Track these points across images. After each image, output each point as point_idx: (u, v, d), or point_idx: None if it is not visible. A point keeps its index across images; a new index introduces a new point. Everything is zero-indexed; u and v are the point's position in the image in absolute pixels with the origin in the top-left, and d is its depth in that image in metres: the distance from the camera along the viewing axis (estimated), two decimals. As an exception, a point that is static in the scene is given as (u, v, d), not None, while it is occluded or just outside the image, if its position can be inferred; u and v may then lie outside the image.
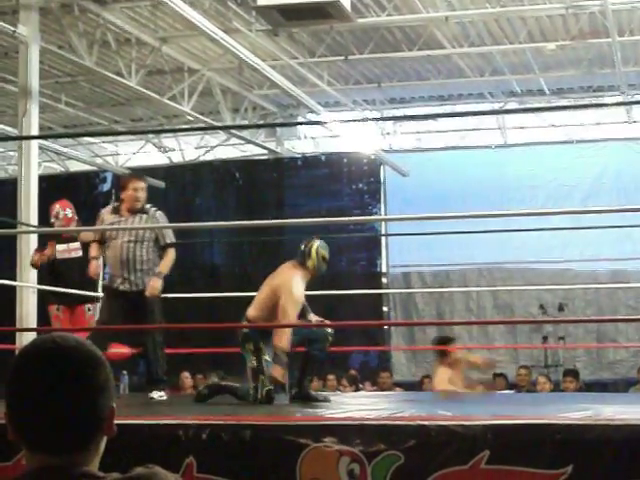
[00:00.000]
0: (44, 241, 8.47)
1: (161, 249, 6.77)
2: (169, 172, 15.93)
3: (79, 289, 7.97)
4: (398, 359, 14.67)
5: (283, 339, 5.98)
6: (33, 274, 8.78)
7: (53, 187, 13.69)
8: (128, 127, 15.01)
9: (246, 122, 14.01)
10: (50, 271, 8.29)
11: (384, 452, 3.94)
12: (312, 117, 14.13)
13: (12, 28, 9.23)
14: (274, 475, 4.06)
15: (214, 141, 15.52)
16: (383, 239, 15.10)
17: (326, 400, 6.07)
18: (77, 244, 8.13)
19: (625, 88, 12.53)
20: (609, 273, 13.85)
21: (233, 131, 14.15)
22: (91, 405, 1.61)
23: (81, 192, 15.94)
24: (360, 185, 15.48)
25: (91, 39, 10.66)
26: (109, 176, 16.49)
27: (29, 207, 9.11)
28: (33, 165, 9.38)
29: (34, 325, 8.79)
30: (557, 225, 10.28)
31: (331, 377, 11.52)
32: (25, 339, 7.83)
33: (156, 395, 6.64)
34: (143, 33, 11.09)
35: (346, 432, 4.06)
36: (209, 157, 15.72)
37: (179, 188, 16.19)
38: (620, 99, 13.15)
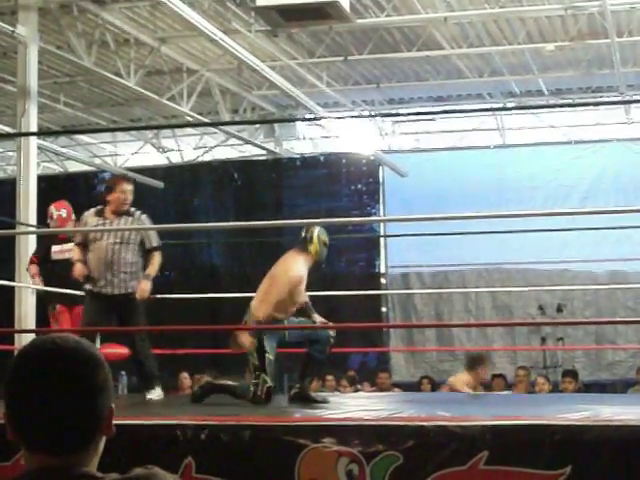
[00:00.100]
0: (42, 241, 8.48)
1: (146, 252, 6.77)
2: (168, 172, 15.93)
3: (75, 289, 7.96)
4: (397, 360, 14.66)
5: (261, 309, 6.01)
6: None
7: (52, 187, 13.70)
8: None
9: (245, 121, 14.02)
10: (46, 272, 8.29)
11: (383, 453, 3.94)
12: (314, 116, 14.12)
13: (11, 28, 9.23)
14: (273, 476, 4.07)
15: (213, 142, 15.52)
16: (382, 240, 15.09)
17: (325, 401, 6.07)
18: (72, 245, 8.13)
19: (624, 89, 12.53)
20: (608, 274, 13.84)
21: (232, 131, 14.14)
22: (90, 405, 1.61)
23: (80, 192, 15.93)
24: (359, 186, 15.48)
25: (90, 39, 10.66)
26: (108, 176, 16.48)
27: (28, 207, 9.10)
28: (32, 165, 9.38)
29: (33, 326, 8.79)
30: (556, 226, 10.27)
31: (330, 378, 11.51)
32: (24, 340, 7.83)
33: (154, 395, 6.64)
34: (142, 33, 11.08)
35: (345, 433, 4.06)
36: (208, 157, 15.72)
37: (178, 188, 16.19)
38: (619, 99, 13.15)
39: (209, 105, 13.27)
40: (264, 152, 15.33)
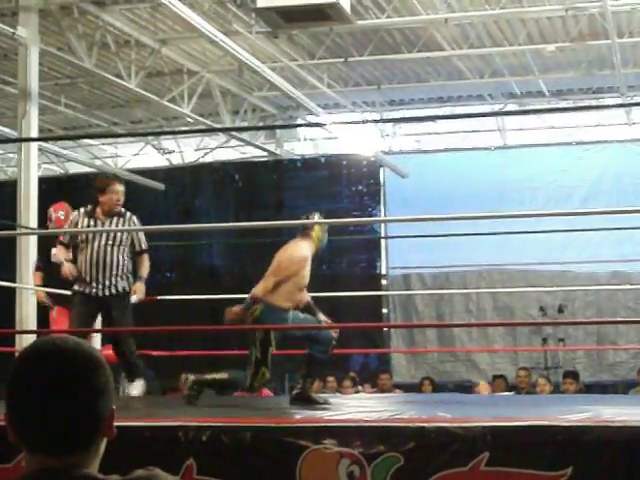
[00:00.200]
0: (43, 245, 8.48)
1: (136, 254, 6.77)
2: (169, 174, 15.93)
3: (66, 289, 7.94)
4: (398, 361, 14.66)
5: (259, 287, 6.02)
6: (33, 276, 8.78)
7: (53, 189, 13.70)
8: (127, 129, 15.01)
9: (246, 124, 14.01)
10: (47, 274, 8.29)
11: (384, 454, 3.94)
12: (312, 119, 14.12)
13: (11, 30, 9.23)
14: (274, 477, 4.06)
15: (214, 143, 15.53)
16: (383, 241, 15.08)
17: (326, 402, 6.06)
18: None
19: (625, 90, 12.53)
20: (609, 275, 13.84)
21: (233, 133, 14.15)
22: (91, 407, 1.61)
23: (81, 194, 15.90)
24: (360, 187, 15.47)
25: (90, 41, 10.66)
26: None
27: (29, 209, 9.10)
28: (33, 167, 9.38)
29: (34, 327, 8.78)
30: (557, 227, 10.26)
31: (331, 379, 11.51)
32: (25, 341, 7.83)
33: (136, 389, 6.64)
34: (143, 35, 11.09)
35: (346, 434, 4.06)
36: (209, 159, 15.72)
37: (179, 190, 16.18)
38: (619, 101, 13.16)
39: (210, 106, 13.28)
40: (265, 153, 15.33)
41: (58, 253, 6.82)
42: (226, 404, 6.04)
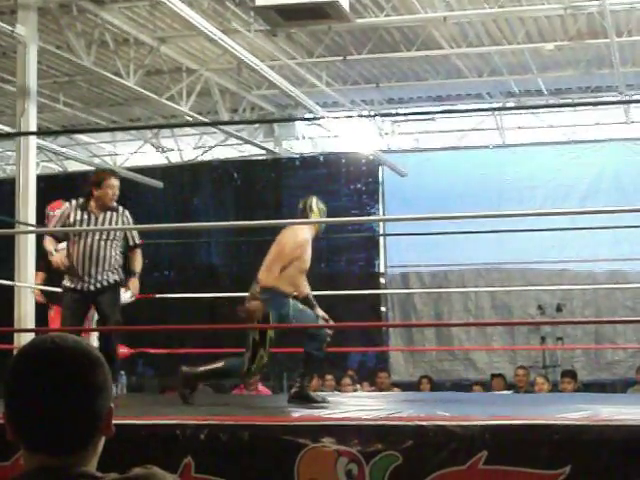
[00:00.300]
0: (41, 242, 8.46)
1: (129, 249, 6.76)
2: (167, 172, 15.93)
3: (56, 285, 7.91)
4: (396, 359, 14.66)
5: (268, 275, 6.02)
6: (31, 274, 8.78)
7: (51, 187, 13.67)
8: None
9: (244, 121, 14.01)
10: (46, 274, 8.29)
11: (382, 452, 3.94)
12: (312, 116, 14.12)
13: (10, 28, 9.22)
14: (272, 475, 4.06)
15: (212, 141, 15.52)
16: (381, 239, 15.09)
17: (324, 401, 6.07)
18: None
19: (623, 88, 12.53)
20: (607, 274, 13.85)
21: (231, 131, 14.14)
22: (89, 405, 1.61)
23: (79, 192, 15.90)
24: (358, 185, 15.47)
25: (89, 39, 10.66)
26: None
27: (27, 207, 9.09)
28: (31, 165, 9.37)
29: (32, 325, 8.78)
30: (555, 225, 10.27)
31: (329, 377, 11.51)
32: (23, 339, 7.83)
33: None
34: (141, 33, 11.08)
35: (344, 432, 4.06)
36: (207, 157, 15.72)
37: (177, 188, 16.19)
38: (618, 99, 13.15)
39: (208, 105, 13.27)
40: (263, 152, 15.33)
41: (48, 244, 6.75)
42: (224, 402, 6.04)
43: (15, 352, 1.70)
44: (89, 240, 6.55)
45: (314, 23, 10.02)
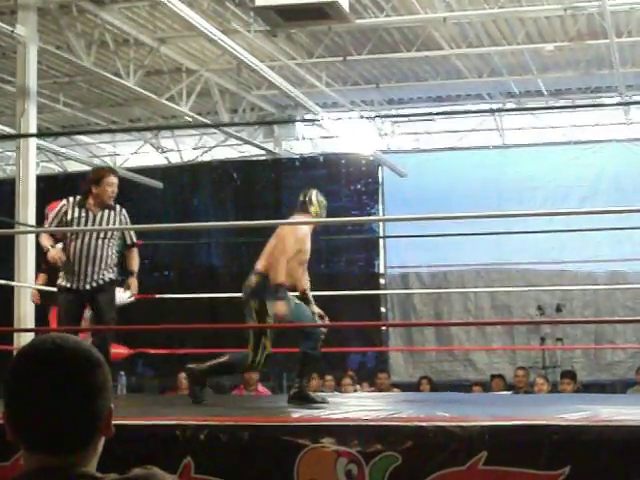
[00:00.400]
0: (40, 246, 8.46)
1: (126, 247, 6.75)
2: (167, 172, 15.93)
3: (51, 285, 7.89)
4: (396, 360, 14.66)
5: (279, 273, 6.01)
6: (31, 274, 8.78)
7: (51, 187, 13.68)
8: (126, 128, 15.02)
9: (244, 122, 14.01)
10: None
11: (382, 453, 3.94)
12: (310, 118, 14.13)
13: (10, 28, 9.23)
14: (272, 476, 4.06)
15: (212, 142, 15.52)
16: (381, 240, 15.08)
17: (324, 401, 6.07)
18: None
19: (623, 89, 12.53)
20: (607, 274, 13.85)
21: (231, 132, 14.15)
22: (89, 406, 1.61)
23: (78, 192, 15.90)
24: (358, 186, 15.47)
25: (89, 39, 10.66)
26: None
27: (27, 207, 9.10)
28: (31, 165, 9.38)
29: (32, 325, 8.79)
30: (555, 226, 10.27)
31: (329, 377, 11.52)
32: (23, 340, 7.83)
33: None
34: (141, 33, 11.09)
35: (344, 433, 4.06)
36: (207, 158, 15.72)
37: (177, 188, 16.19)
38: (618, 100, 13.15)
39: (208, 105, 13.28)
40: (263, 152, 15.33)
41: (44, 240, 6.66)
42: (224, 403, 6.04)
43: (15, 352, 1.70)
44: (87, 238, 6.52)
45: (314, 23, 10.03)
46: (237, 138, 14.52)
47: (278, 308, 5.99)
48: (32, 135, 9.59)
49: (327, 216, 6.58)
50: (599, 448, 3.82)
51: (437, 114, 13.82)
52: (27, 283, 8.74)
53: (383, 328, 15.17)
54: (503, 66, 12.34)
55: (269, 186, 15.77)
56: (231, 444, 4.11)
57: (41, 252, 8.50)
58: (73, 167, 16.13)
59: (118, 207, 6.69)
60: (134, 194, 14.80)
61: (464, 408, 5.48)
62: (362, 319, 13.27)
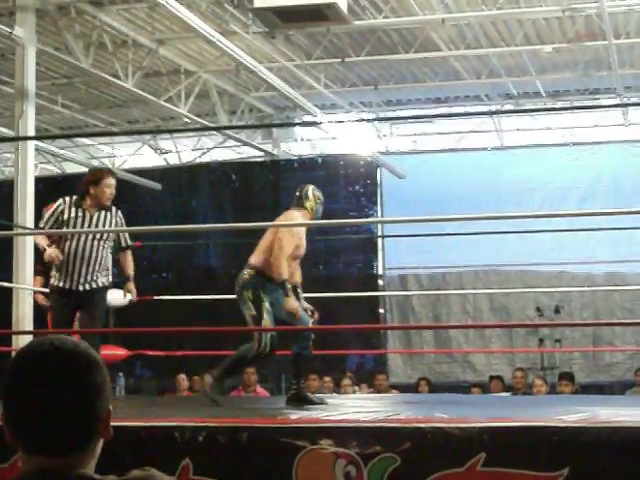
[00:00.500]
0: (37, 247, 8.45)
1: (121, 250, 6.74)
2: (165, 174, 15.93)
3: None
4: (394, 361, 14.66)
5: (282, 271, 6.04)
6: (30, 276, 8.77)
7: (49, 189, 13.68)
8: (124, 129, 15.00)
9: (242, 124, 14.01)
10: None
11: (380, 454, 3.94)
12: (309, 119, 14.13)
13: (8, 30, 9.22)
14: (271, 477, 4.06)
15: (210, 143, 15.52)
16: (379, 241, 15.09)
17: (322, 402, 6.07)
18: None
19: (621, 90, 12.54)
20: (605, 275, 13.85)
21: (229, 133, 14.15)
22: (88, 407, 1.61)
23: (76, 193, 15.89)
24: (357, 187, 15.48)
25: (87, 41, 10.66)
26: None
27: (25, 209, 9.09)
28: (29, 167, 9.37)
29: (30, 327, 8.78)
30: (553, 227, 10.27)
31: (327, 379, 11.52)
32: (21, 341, 7.82)
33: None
34: (140, 35, 11.08)
35: (342, 434, 4.06)
36: (205, 159, 15.72)
37: (175, 190, 16.19)
38: (616, 101, 13.16)
39: (207, 106, 13.28)
40: (262, 154, 15.33)
41: (40, 240, 6.59)
42: (223, 404, 6.03)
43: (13, 354, 1.70)
44: (82, 239, 6.49)
45: (312, 25, 10.02)
46: (235, 139, 14.52)
47: (289, 305, 6.03)
48: (31, 138, 9.58)
49: (325, 217, 6.58)
50: (598, 449, 3.82)
51: (435, 116, 13.81)
52: (25, 285, 8.73)
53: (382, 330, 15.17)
54: (501, 67, 12.35)
55: (267, 187, 15.77)
56: (229, 445, 4.11)
57: (38, 254, 8.50)
58: (71, 168, 16.12)
59: (114, 209, 6.67)
60: (132, 195, 14.81)
61: (463, 409, 5.48)
62: (360, 321, 13.30)
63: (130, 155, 15.97)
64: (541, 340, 13.69)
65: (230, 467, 4.08)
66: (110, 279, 6.73)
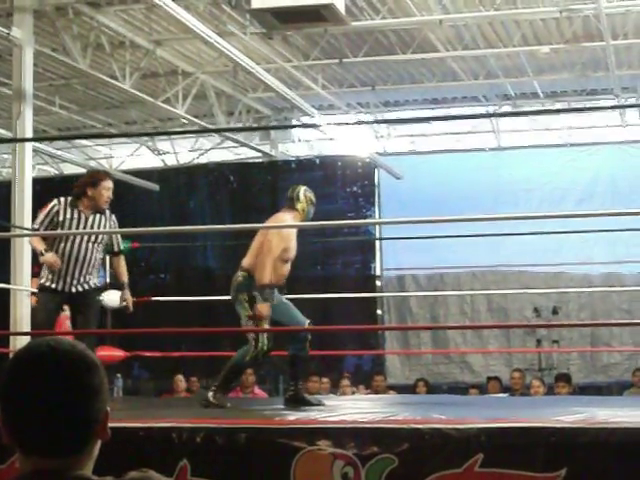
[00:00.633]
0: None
1: (113, 254, 6.74)
2: (163, 175, 15.92)
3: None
4: (392, 362, 14.65)
5: (264, 274, 6.04)
6: (27, 277, 8.77)
7: (47, 190, 13.67)
8: (122, 130, 14.99)
9: (240, 125, 14.01)
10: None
11: (378, 455, 3.94)
12: (306, 120, 14.13)
13: (6, 31, 9.21)
14: (268, 478, 4.06)
15: (208, 144, 15.51)
16: (377, 242, 15.07)
17: (320, 403, 6.07)
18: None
19: (619, 91, 12.55)
20: (603, 276, 13.86)
21: (227, 134, 14.14)
22: (85, 408, 1.61)
23: (71, 194, 15.88)
24: (354, 188, 15.47)
25: (85, 42, 10.65)
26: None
27: (23, 210, 9.08)
28: (27, 168, 9.36)
29: (28, 329, 8.77)
30: (551, 228, 10.28)
31: (325, 380, 11.51)
32: (19, 343, 7.82)
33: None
34: (137, 36, 11.08)
35: (340, 435, 4.06)
36: (203, 160, 15.70)
37: (173, 191, 16.18)
38: (614, 102, 13.16)
39: (204, 107, 13.27)
40: (259, 154, 15.33)
41: (36, 243, 6.54)
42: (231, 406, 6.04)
43: (11, 356, 1.70)
44: (77, 241, 6.47)
45: (310, 26, 10.01)
46: (233, 140, 14.51)
47: (260, 309, 6.03)
48: (29, 140, 9.58)
49: (323, 218, 6.59)
50: (595, 450, 3.82)
51: (432, 118, 13.81)
52: (23, 286, 8.72)
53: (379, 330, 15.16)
54: (499, 68, 12.35)
55: (265, 188, 15.77)
56: (227, 447, 4.11)
57: (36, 255, 8.49)
58: (69, 169, 16.11)
59: (108, 212, 6.66)
60: (130, 196, 14.81)
61: (460, 410, 5.48)
62: (358, 321, 13.29)
63: (128, 156, 15.96)
64: (539, 341, 13.69)
65: (228, 468, 4.08)
66: (101, 281, 6.72)
